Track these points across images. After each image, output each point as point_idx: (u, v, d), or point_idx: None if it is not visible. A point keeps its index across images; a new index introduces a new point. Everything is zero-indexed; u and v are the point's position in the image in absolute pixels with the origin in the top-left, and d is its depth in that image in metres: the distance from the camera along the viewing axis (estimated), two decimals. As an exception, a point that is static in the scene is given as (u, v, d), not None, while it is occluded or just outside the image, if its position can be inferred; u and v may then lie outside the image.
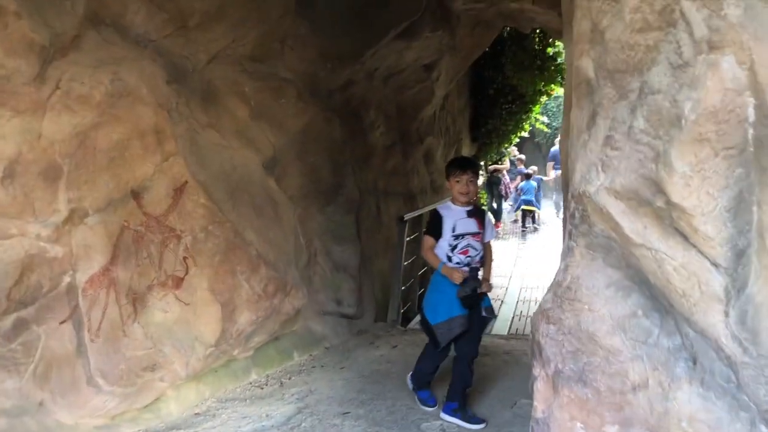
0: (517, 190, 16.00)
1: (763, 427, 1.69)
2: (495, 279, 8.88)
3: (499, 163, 15.23)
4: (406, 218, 6.58)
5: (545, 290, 6.98)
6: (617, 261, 2.00)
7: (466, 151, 11.92)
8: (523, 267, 10.13)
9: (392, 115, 7.34)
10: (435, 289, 3.97)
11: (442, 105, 9.28)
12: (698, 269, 1.73)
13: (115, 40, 3.87)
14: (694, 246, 1.71)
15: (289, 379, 4.75)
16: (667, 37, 1.71)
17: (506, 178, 15.55)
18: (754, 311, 1.65)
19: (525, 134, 13.80)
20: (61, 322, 3.59)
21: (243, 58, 4.87)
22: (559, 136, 16.53)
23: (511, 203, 16.84)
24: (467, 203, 4.00)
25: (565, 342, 2.07)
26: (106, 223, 3.79)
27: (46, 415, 3.53)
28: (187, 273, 4.18)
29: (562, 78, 10.51)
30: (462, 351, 3.96)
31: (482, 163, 14.07)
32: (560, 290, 2.10)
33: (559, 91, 11.87)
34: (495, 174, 14.88)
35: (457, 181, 3.96)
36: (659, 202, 1.70)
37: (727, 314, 1.74)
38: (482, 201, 14.86)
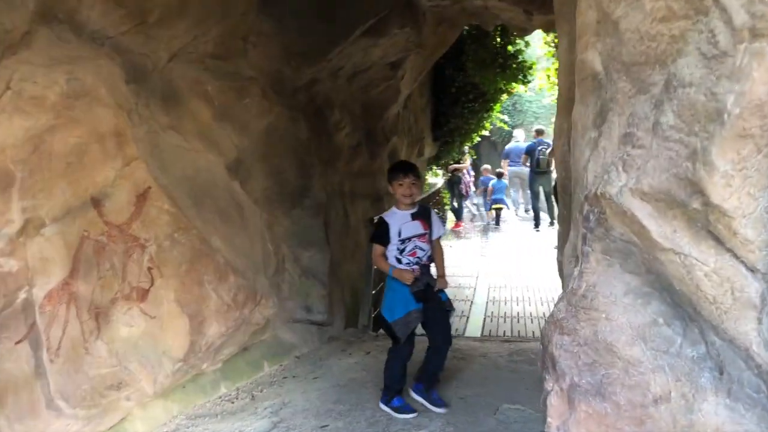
0: (477, 188, 16.16)
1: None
2: (461, 279, 8.87)
3: (460, 162, 15.22)
4: (375, 220, 6.43)
5: (514, 289, 6.97)
6: (636, 267, 1.88)
7: (429, 150, 11.85)
8: (488, 266, 10.07)
9: (357, 115, 7.20)
10: (389, 289, 4.10)
11: (405, 104, 9.17)
12: (732, 275, 1.61)
13: (69, 37, 3.61)
14: (730, 250, 1.59)
15: (261, 391, 4.57)
16: (697, 25, 1.58)
17: (466, 177, 15.57)
18: (791, 319, 1.54)
19: (485, 132, 13.78)
20: (17, 342, 3.31)
21: (205, 56, 4.67)
22: (515, 135, 16.79)
23: (475, 202, 16.92)
24: (411, 206, 4.13)
25: (581, 353, 1.94)
26: (65, 233, 3.53)
27: (3, 443, 3.26)
28: (152, 284, 3.97)
29: (524, 76, 10.52)
30: (436, 341, 4.09)
31: (443, 162, 14.03)
32: (575, 299, 1.96)
33: (519, 89, 11.88)
34: (455, 173, 14.87)
35: (400, 185, 4.06)
36: (695, 204, 1.57)
37: (760, 321, 1.63)
38: (445, 200, 14.84)
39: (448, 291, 4.19)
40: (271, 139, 5.37)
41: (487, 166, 17.28)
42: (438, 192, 13.83)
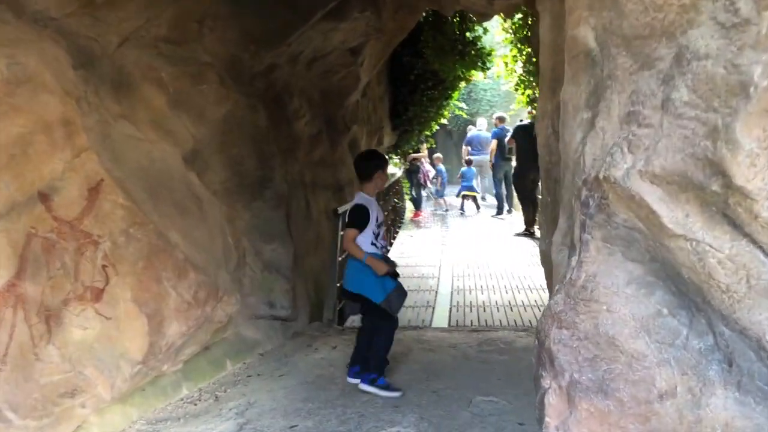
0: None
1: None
2: (424, 269, 8.80)
3: (419, 151, 15.15)
4: (340, 211, 6.27)
5: (478, 278, 6.90)
6: (639, 255, 1.76)
7: (388, 139, 11.70)
8: (450, 255, 9.99)
9: (317, 102, 7.00)
10: (363, 272, 4.20)
11: (364, 92, 8.98)
12: (749, 261, 1.51)
13: (8, 18, 3.39)
14: (748, 235, 1.48)
15: (225, 391, 4.37)
16: (711, -7, 1.46)
17: (425, 166, 15.49)
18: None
19: (444, 121, 13.70)
20: (-41, 351, 3.06)
21: (158, 40, 4.44)
22: (478, 123, 16.79)
23: (432, 192, 16.86)
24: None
25: (581, 348, 1.82)
26: (9, 230, 3.28)
27: (-55, 460, 3.01)
28: (107, 283, 3.72)
29: (483, 63, 10.44)
30: (393, 323, 4.35)
31: (402, 150, 13.91)
32: (574, 290, 1.83)
33: (477, 76, 11.81)
34: (414, 162, 14.79)
35: (383, 172, 4.40)
36: (714, 186, 1.45)
37: (775, 310, 1.53)
38: (405, 189, 14.73)
39: (412, 281, 4.78)
40: (229, 127, 5.15)
41: (439, 155, 17.25)
42: (398, 182, 13.71)
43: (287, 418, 3.84)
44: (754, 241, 1.48)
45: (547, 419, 1.91)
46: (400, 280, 4.37)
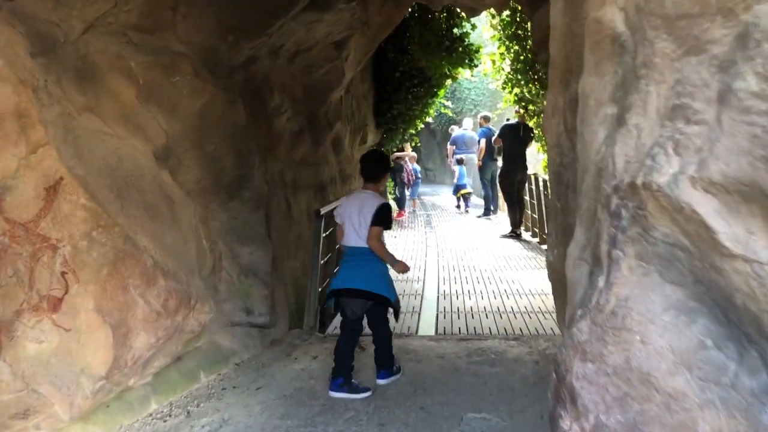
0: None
1: None
2: (409, 272, 8.46)
3: (402, 149, 14.90)
4: (323, 212, 5.97)
5: (465, 282, 6.60)
6: (680, 276, 1.49)
7: (372, 138, 11.43)
8: (435, 257, 9.72)
9: (299, 98, 6.70)
10: (385, 273, 4.32)
11: (347, 89, 8.70)
12: (823, 289, 1.24)
13: (-45, -2, 3.03)
14: (825, 256, 1.21)
15: (198, 406, 4.08)
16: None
17: (408, 165, 15.22)
18: None
19: (429, 119, 13.46)
20: None
21: (127, 27, 4.12)
22: (464, 123, 16.61)
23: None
24: None
25: (609, 385, 1.54)
26: (-46, 234, 2.95)
27: None
28: (66, 292, 3.42)
29: (470, 60, 10.18)
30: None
31: (386, 149, 13.64)
32: (601, 316, 1.56)
33: (464, 74, 11.58)
34: (397, 161, 14.53)
35: (387, 177, 4.57)
36: (791, 197, 1.19)
37: None
38: (389, 189, 14.47)
39: (396, 285, 4.56)
40: (205, 123, 4.84)
41: (414, 154, 16.96)
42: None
43: (264, 438, 3.56)
44: (831, 264, 1.22)
45: (567, 468, 1.63)
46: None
